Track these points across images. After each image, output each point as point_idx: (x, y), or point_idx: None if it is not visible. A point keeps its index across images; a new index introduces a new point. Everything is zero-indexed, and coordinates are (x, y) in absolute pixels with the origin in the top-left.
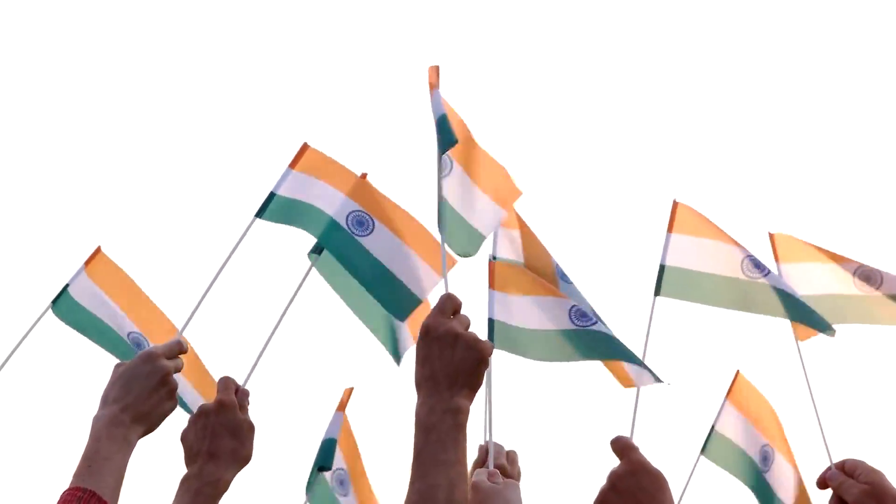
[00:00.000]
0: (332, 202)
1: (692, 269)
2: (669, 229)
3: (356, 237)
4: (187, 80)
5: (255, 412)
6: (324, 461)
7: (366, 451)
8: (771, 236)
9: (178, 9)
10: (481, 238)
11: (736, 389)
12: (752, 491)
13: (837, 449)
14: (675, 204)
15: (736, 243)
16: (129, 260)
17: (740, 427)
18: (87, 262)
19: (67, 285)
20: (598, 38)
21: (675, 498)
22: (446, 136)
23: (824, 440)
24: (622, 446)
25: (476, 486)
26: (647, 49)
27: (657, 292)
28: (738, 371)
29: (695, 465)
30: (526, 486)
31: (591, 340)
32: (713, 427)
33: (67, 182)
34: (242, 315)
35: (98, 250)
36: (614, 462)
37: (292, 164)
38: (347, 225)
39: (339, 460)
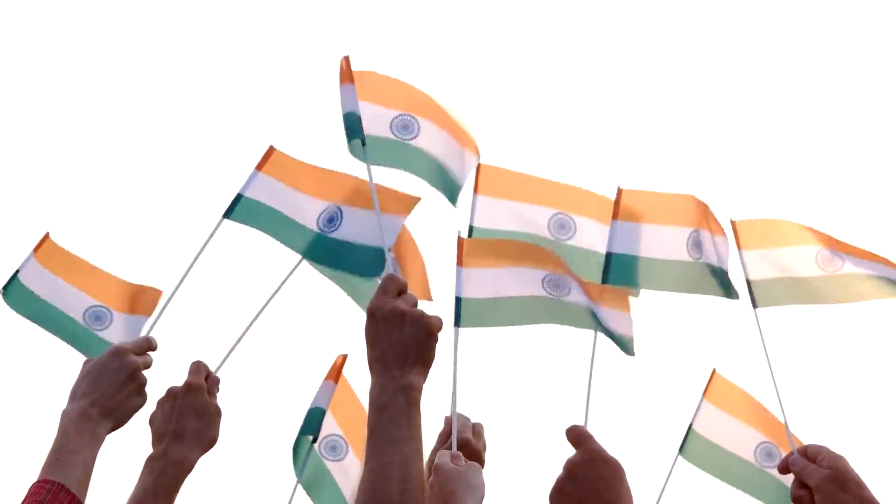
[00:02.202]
0: (300, 207)
1: (640, 255)
2: (615, 217)
3: (328, 235)
4: (158, 80)
5: (238, 399)
6: (309, 429)
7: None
8: (733, 224)
9: (142, 5)
10: (459, 186)
11: (713, 388)
12: (746, 491)
13: (800, 434)
14: (620, 191)
15: (685, 220)
16: (100, 256)
17: (725, 426)
18: (36, 248)
19: (18, 271)
20: (541, 26)
21: (654, 499)
22: (351, 131)
23: (786, 425)
24: (577, 435)
25: (438, 467)
26: (589, 37)
27: (604, 280)
28: (714, 370)
29: (672, 466)
30: (491, 459)
31: (563, 309)
32: (690, 426)
33: (27, 179)
34: (214, 310)
35: (46, 236)
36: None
37: (259, 167)
38: (319, 226)
39: (331, 427)
